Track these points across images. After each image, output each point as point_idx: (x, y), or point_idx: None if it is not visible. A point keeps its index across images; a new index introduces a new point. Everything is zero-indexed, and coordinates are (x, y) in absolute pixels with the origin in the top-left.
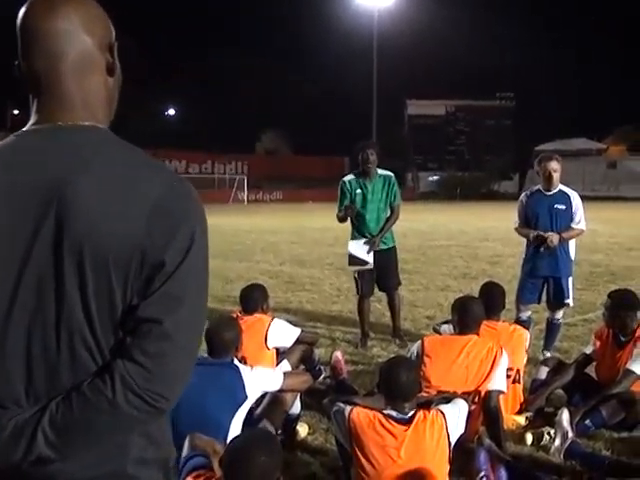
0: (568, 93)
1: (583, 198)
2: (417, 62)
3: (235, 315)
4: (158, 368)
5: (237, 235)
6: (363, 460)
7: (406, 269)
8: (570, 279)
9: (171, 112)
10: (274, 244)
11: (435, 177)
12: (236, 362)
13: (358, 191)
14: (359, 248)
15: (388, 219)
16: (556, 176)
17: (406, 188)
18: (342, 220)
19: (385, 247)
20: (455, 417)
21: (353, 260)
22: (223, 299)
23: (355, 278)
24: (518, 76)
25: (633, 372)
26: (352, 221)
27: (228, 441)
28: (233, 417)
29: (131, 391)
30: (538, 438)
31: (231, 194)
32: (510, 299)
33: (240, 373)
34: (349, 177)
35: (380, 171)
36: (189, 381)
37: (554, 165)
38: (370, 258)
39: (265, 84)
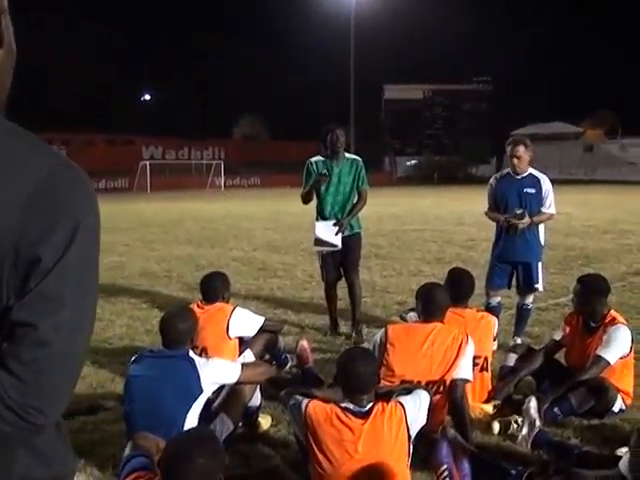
0: (545, 77)
1: (560, 182)
2: (395, 46)
3: (196, 305)
4: (34, 379)
5: (211, 221)
6: (320, 455)
7: (380, 254)
8: (540, 264)
9: (147, 97)
10: (248, 230)
11: (413, 161)
12: (191, 354)
13: (324, 173)
14: (326, 230)
15: (356, 204)
16: (521, 161)
17: (384, 172)
18: (307, 197)
19: (349, 233)
20: (415, 409)
21: (319, 242)
22: (193, 286)
23: (320, 265)
24: (495, 60)
25: (603, 358)
26: (318, 204)
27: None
28: (188, 412)
29: (4, 405)
30: (505, 427)
31: (208, 180)
32: (482, 284)
33: (195, 365)
34: (316, 158)
35: (347, 154)
36: (143, 375)
37: (520, 149)
38: (338, 240)
39: (241, 69)
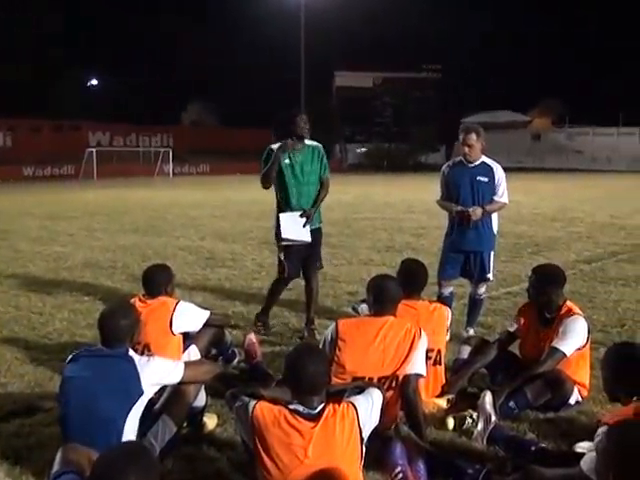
0: (494, 66)
1: (508, 170)
2: (345, 33)
3: (137, 299)
4: None
5: (158, 210)
6: (267, 461)
7: (330, 243)
8: (492, 253)
9: (94, 82)
10: (196, 218)
11: (363, 149)
12: (131, 353)
13: (286, 161)
14: (293, 222)
15: (318, 194)
16: (472, 149)
17: (334, 160)
18: (266, 179)
19: (312, 227)
20: (368, 409)
21: (288, 234)
22: (138, 277)
23: (281, 260)
24: (444, 48)
25: (559, 350)
26: (282, 195)
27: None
28: (128, 415)
29: None
30: (460, 422)
31: (156, 168)
32: (434, 273)
33: (135, 365)
34: (277, 145)
35: (307, 141)
36: (80, 376)
37: (471, 138)
38: (307, 234)
39: (190, 54)
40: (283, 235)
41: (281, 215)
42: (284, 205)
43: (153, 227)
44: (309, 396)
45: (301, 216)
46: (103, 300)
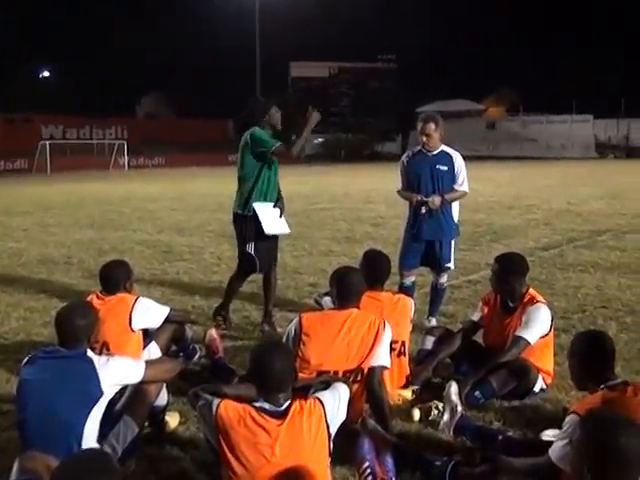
0: (448, 55)
1: (463, 158)
2: (301, 24)
3: (95, 296)
4: None
5: (114, 203)
6: (233, 460)
7: (290, 234)
8: (453, 242)
9: (45, 74)
10: (153, 212)
11: (320, 139)
12: (90, 353)
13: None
14: (268, 212)
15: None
16: (430, 139)
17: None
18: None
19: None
20: (335, 405)
21: (270, 228)
22: (95, 273)
23: (251, 254)
24: (399, 39)
25: (523, 339)
26: (258, 185)
27: (83, 446)
28: (88, 417)
29: None
30: (426, 413)
31: (111, 160)
32: (395, 262)
33: (94, 366)
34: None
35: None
36: (37, 378)
37: (430, 127)
38: (285, 224)
39: (144, 45)
40: (266, 231)
41: (255, 205)
42: (260, 195)
43: (109, 221)
44: (275, 393)
45: (274, 207)
46: (60, 297)
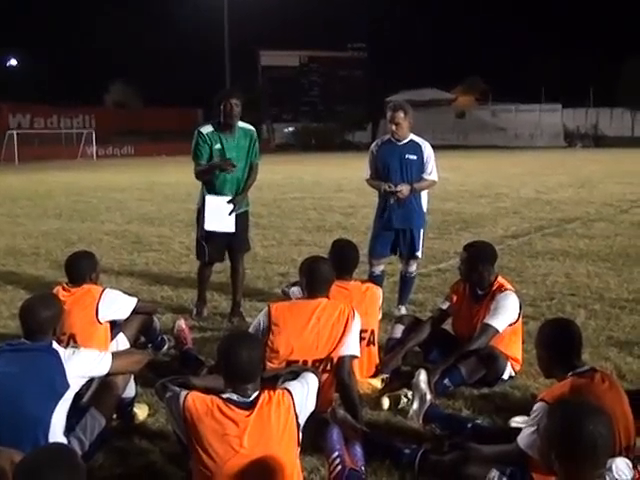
0: (418, 44)
1: (433, 147)
2: (270, 12)
3: (61, 287)
4: None
5: (82, 193)
6: (201, 452)
7: (260, 223)
8: (422, 231)
9: (13, 62)
10: (122, 202)
11: (290, 128)
12: (55, 346)
13: (217, 146)
14: (219, 207)
15: (247, 179)
16: (400, 127)
17: (262, 140)
18: (204, 176)
19: (239, 211)
20: (303, 395)
21: (211, 224)
22: (63, 264)
23: (202, 244)
24: (369, 27)
25: (492, 327)
26: (209, 178)
27: (50, 440)
28: (54, 410)
29: None
30: (395, 402)
31: (79, 150)
32: (365, 251)
33: (60, 359)
34: (207, 129)
35: (241, 124)
36: (2, 372)
37: (399, 116)
38: (231, 223)
39: (112, 33)
40: (206, 227)
41: (207, 198)
42: (209, 189)
43: (77, 212)
44: (243, 384)
45: (228, 202)
46: (27, 289)
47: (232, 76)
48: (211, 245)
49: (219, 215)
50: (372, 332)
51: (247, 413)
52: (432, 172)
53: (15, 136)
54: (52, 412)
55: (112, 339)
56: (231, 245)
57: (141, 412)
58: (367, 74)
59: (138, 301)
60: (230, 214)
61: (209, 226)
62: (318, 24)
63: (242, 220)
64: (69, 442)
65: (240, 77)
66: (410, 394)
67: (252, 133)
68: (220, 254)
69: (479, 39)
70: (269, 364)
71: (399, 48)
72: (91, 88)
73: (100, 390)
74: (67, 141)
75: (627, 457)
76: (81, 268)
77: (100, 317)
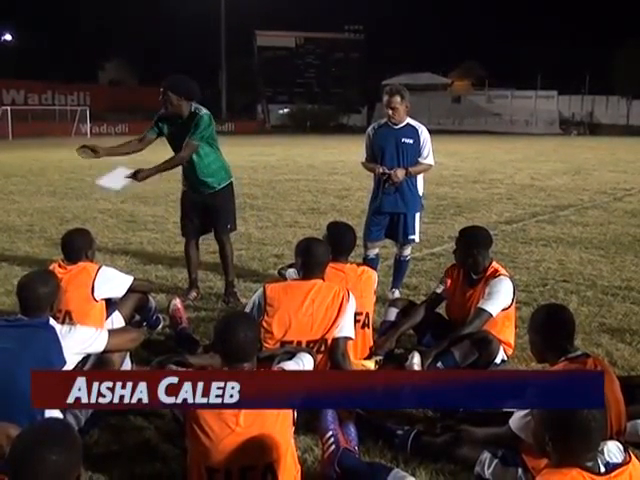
0: (415, 28)
1: (429, 132)
2: None
3: (57, 265)
4: None
5: (76, 171)
6: (197, 430)
7: (255, 205)
8: (417, 215)
9: (7, 38)
10: None
11: (285, 110)
12: (52, 322)
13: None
14: (123, 172)
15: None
16: (396, 112)
17: (257, 121)
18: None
19: (208, 191)
20: None
21: (103, 180)
22: (57, 242)
23: (181, 221)
24: (367, 9)
25: (485, 311)
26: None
27: (46, 415)
28: None
29: None
30: None
31: (73, 127)
32: (359, 234)
33: (56, 335)
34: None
35: (194, 106)
36: None
37: (395, 100)
38: (119, 183)
39: (108, 11)
40: (96, 181)
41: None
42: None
43: (71, 189)
44: (239, 363)
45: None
46: (21, 266)
47: (227, 56)
48: (184, 219)
49: (116, 176)
50: (367, 315)
51: None
52: (428, 156)
53: (9, 112)
54: None
55: (107, 317)
56: (212, 224)
57: None
58: (364, 56)
59: (134, 280)
60: (127, 177)
61: (99, 181)
62: (315, 5)
63: (216, 198)
64: (64, 417)
65: (235, 57)
66: None
67: (197, 115)
68: (195, 229)
69: (477, 24)
70: (264, 344)
71: (397, 31)
72: (86, 65)
73: (96, 367)
74: (61, 118)
75: (618, 441)
76: (77, 245)
77: (96, 295)
